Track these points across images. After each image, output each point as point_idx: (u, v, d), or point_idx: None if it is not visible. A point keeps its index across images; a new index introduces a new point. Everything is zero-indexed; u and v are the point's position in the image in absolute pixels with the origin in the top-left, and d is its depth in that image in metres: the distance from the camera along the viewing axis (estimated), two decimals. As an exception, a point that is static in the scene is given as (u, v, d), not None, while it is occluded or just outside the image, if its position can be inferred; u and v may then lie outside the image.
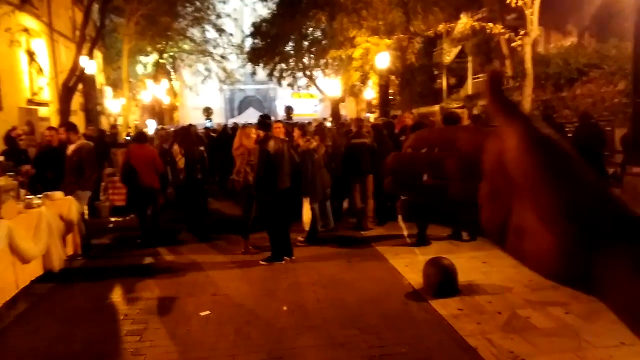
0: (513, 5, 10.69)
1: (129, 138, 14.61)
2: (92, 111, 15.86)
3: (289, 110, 25.15)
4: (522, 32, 11.45)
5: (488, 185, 0.41)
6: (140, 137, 8.02)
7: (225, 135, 11.82)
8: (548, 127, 0.38)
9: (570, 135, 8.07)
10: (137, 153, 7.37)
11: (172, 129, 13.38)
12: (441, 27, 14.09)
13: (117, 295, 5.46)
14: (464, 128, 0.43)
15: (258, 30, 22.17)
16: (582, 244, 0.35)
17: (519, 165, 0.37)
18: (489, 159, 0.41)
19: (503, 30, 12.15)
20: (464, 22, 14.42)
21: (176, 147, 8.64)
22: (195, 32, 24.57)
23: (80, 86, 14.58)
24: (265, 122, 6.66)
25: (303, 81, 23.36)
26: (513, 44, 12.05)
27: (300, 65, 22.26)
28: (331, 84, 21.47)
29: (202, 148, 8.72)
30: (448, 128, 0.44)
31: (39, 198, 5.83)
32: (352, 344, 4.12)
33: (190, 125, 11.58)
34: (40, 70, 14.06)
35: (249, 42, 23.72)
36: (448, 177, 0.43)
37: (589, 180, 0.36)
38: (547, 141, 0.36)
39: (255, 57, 22.49)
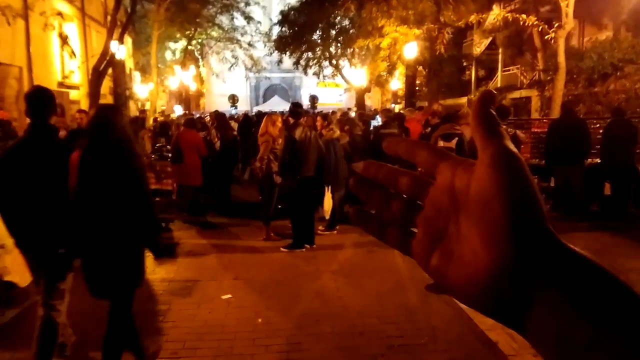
0: (547, -4, 10.43)
1: (154, 123, 14.84)
2: (121, 95, 16.12)
3: (313, 99, 25.10)
4: (556, 25, 11.18)
5: (430, 206, 0.41)
6: (189, 122, 8.54)
7: (246, 123, 11.87)
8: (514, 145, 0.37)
9: (601, 131, 7.86)
10: (185, 136, 7.86)
11: (197, 115, 13.55)
12: (472, 18, 13.84)
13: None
14: (425, 146, 0.43)
15: (286, 18, 22.13)
16: (518, 272, 0.34)
17: (482, 179, 0.36)
18: (439, 179, 0.41)
19: (536, 22, 11.87)
20: (496, 13, 14.13)
21: (213, 131, 9.13)
22: (223, 19, 24.71)
23: (110, 70, 14.83)
24: (295, 110, 6.73)
25: (329, 70, 23.28)
26: (546, 37, 11.78)
27: (327, 54, 22.18)
28: (357, 74, 21.34)
29: (235, 132, 9.09)
30: (417, 142, 0.44)
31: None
32: (371, 333, 4.13)
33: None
34: (73, 53, 14.34)
35: (276, 30, 23.73)
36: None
37: (542, 212, 0.35)
38: (516, 162, 0.36)
39: (282, 45, 22.48)
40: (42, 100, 3.23)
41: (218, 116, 9.87)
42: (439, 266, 0.40)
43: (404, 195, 0.44)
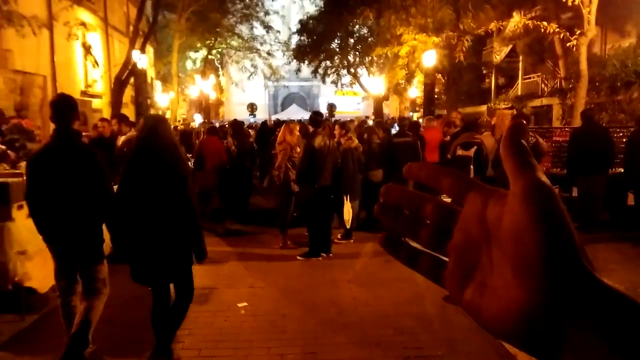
0: (569, 3, 10.29)
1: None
2: (142, 104, 16.36)
3: (331, 107, 25.19)
4: (578, 32, 11.02)
5: (460, 236, 0.41)
6: (211, 130, 9.27)
7: (264, 131, 11.92)
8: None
9: (624, 139, 7.70)
10: (207, 143, 8.29)
11: (217, 124, 13.69)
12: (492, 25, 13.72)
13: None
14: (450, 172, 0.42)
15: (304, 27, 22.27)
16: (552, 307, 0.34)
17: (514, 212, 0.36)
18: (468, 209, 0.40)
19: (557, 30, 11.72)
20: (516, 21, 14.00)
21: (230, 139, 9.32)
22: (243, 29, 24.97)
23: (132, 79, 15.08)
24: (316, 119, 6.78)
25: (347, 78, 23.32)
26: (567, 44, 11.62)
27: (345, 63, 22.23)
28: (375, 82, 21.33)
29: (251, 140, 9.18)
30: (440, 168, 0.44)
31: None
32: (387, 344, 4.08)
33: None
34: (96, 62, 14.63)
35: (294, 39, 23.89)
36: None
37: (576, 245, 0.35)
38: (549, 194, 0.35)
39: (300, 53, 22.62)
40: (66, 107, 3.50)
41: (234, 124, 9.96)
42: (472, 299, 0.39)
43: (430, 222, 0.44)
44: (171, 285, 3.71)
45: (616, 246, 6.60)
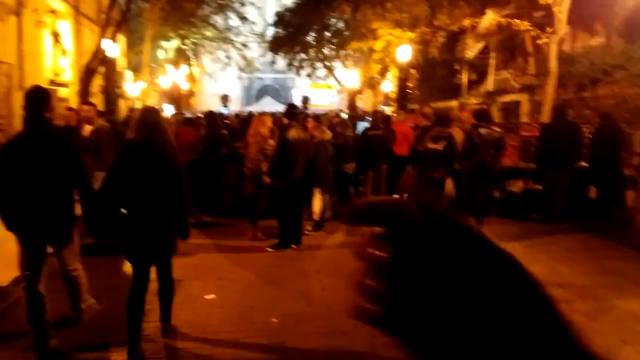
0: (541, 2, 10.48)
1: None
2: (112, 94, 16.04)
3: (305, 100, 25.05)
4: (549, 30, 11.24)
5: None
6: (187, 121, 9.61)
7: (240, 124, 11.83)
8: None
9: (589, 135, 7.92)
10: (182, 134, 8.25)
11: (189, 115, 13.54)
12: (466, 22, 13.90)
13: (122, 275, 5.52)
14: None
15: (281, 19, 22.15)
16: None
17: None
18: None
19: (529, 27, 11.93)
20: (490, 18, 14.20)
21: (202, 131, 9.33)
22: (218, 19, 24.64)
23: (102, 69, 14.76)
24: (290, 111, 6.76)
25: (322, 71, 23.30)
26: (538, 42, 11.84)
27: (320, 56, 22.21)
28: (349, 75, 21.38)
29: (225, 132, 9.35)
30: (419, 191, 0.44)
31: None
32: (354, 333, 4.12)
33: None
34: (64, 51, 14.25)
35: (270, 31, 23.73)
36: None
37: None
38: None
39: (275, 45, 22.50)
40: (41, 98, 3.65)
41: (208, 116, 9.87)
42: None
43: None
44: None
45: (578, 237, 6.84)
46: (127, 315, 3.64)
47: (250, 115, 11.75)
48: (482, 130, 7.12)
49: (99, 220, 3.83)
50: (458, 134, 7.36)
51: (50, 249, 3.81)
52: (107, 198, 3.62)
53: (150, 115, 3.76)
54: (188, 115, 14.37)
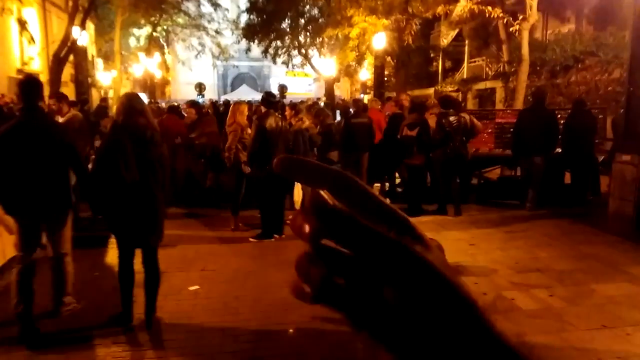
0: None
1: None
2: (83, 82, 15.65)
3: (282, 88, 24.95)
4: (521, 17, 11.40)
5: None
6: (172, 108, 9.59)
7: (214, 112, 11.71)
8: None
9: (562, 121, 8.09)
10: (168, 123, 8.19)
11: (163, 103, 13.32)
12: (440, 9, 13.98)
13: (105, 268, 5.46)
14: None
15: (254, 5, 21.85)
16: None
17: None
18: None
19: (501, 15, 12.08)
20: (463, 5, 14.30)
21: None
22: (189, 6, 24.20)
23: (71, 57, 14.36)
24: (268, 99, 6.67)
25: (298, 59, 23.15)
26: (511, 29, 12.00)
27: (296, 43, 22.04)
28: (326, 63, 21.30)
29: None
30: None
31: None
32: (338, 320, 4.14)
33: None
34: (32, 39, 13.82)
35: (244, 18, 23.41)
36: None
37: None
38: None
39: (250, 33, 22.21)
40: (33, 87, 3.89)
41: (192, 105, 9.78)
42: None
43: None
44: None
45: (555, 222, 6.99)
46: (120, 288, 3.93)
47: (227, 103, 11.66)
48: (451, 118, 7.23)
49: (96, 198, 4.01)
50: (432, 121, 7.48)
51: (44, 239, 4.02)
52: (99, 180, 3.79)
53: (135, 100, 3.93)
54: (161, 103, 14.15)
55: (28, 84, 3.91)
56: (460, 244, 6.00)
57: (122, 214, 3.79)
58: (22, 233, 3.86)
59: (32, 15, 13.99)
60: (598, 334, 3.74)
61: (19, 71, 13.04)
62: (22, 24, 13.37)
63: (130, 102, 3.85)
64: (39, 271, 3.96)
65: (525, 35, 11.36)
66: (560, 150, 7.92)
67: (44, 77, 14.03)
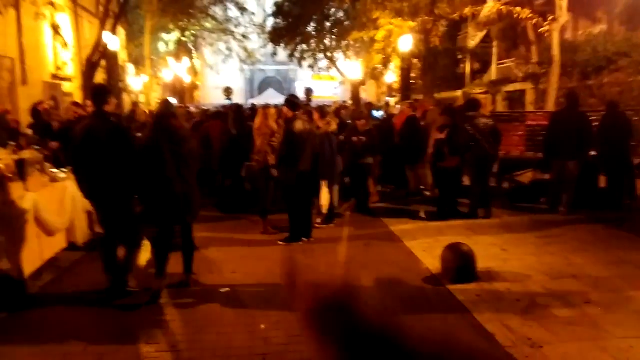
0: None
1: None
2: (115, 88, 15.98)
3: (308, 91, 24.93)
4: (550, 18, 11.20)
5: None
6: (216, 114, 10.25)
7: (239, 116, 11.78)
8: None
9: (595, 124, 7.90)
10: (213, 127, 9.04)
11: (192, 108, 13.47)
12: (467, 10, 13.84)
13: (138, 269, 5.55)
14: None
15: (280, 9, 22.00)
16: None
17: None
18: None
19: (530, 15, 11.88)
20: (491, 6, 14.14)
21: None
22: (217, 10, 24.50)
23: (103, 62, 14.69)
24: (293, 102, 6.68)
25: (323, 63, 23.18)
26: (540, 30, 11.80)
27: (321, 47, 22.09)
28: (352, 66, 21.26)
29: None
30: None
31: (64, 172, 5.92)
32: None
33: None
34: (65, 44, 14.16)
35: (270, 22, 23.58)
36: None
37: None
38: None
39: (276, 36, 22.36)
40: (103, 94, 4.69)
41: (235, 109, 10.25)
42: None
43: None
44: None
45: (590, 227, 6.81)
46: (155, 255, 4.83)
47: (254, 107, 11.71)
48: (477, 121, 7.18)
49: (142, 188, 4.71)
50: (436, 136, 7.56)
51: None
52: (143, 172, 4.59)
53: (168, 105, 5.06)
54: (190, 108, 14.30)
55: (100, 91, 4.85)
56: (492, 249, 5.91)
57: (164, 199, 4.61)
58: (99, 214, 4.86)
59: (64, 20, 14.34)
60: (636, 342, 3.63)
61: (54, 76, 13.38)
62: (56, 29, 13.72)
63: (165, 107, 4.92)
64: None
65: (556, 36, 11.15)
66: (594, 153, 7.74)
67: (77, 82, 14.40)
